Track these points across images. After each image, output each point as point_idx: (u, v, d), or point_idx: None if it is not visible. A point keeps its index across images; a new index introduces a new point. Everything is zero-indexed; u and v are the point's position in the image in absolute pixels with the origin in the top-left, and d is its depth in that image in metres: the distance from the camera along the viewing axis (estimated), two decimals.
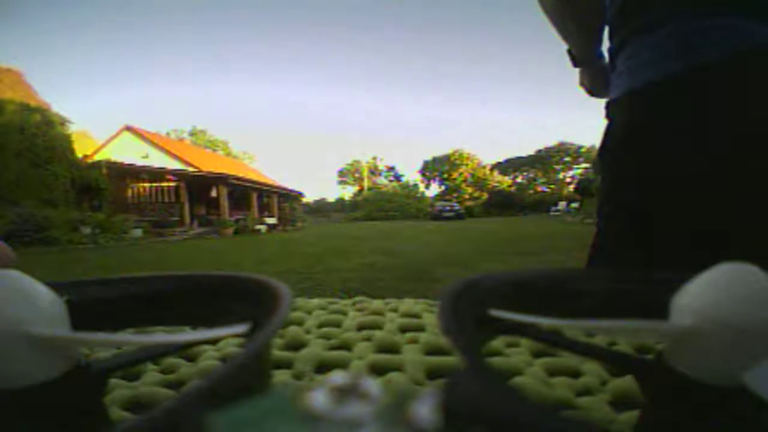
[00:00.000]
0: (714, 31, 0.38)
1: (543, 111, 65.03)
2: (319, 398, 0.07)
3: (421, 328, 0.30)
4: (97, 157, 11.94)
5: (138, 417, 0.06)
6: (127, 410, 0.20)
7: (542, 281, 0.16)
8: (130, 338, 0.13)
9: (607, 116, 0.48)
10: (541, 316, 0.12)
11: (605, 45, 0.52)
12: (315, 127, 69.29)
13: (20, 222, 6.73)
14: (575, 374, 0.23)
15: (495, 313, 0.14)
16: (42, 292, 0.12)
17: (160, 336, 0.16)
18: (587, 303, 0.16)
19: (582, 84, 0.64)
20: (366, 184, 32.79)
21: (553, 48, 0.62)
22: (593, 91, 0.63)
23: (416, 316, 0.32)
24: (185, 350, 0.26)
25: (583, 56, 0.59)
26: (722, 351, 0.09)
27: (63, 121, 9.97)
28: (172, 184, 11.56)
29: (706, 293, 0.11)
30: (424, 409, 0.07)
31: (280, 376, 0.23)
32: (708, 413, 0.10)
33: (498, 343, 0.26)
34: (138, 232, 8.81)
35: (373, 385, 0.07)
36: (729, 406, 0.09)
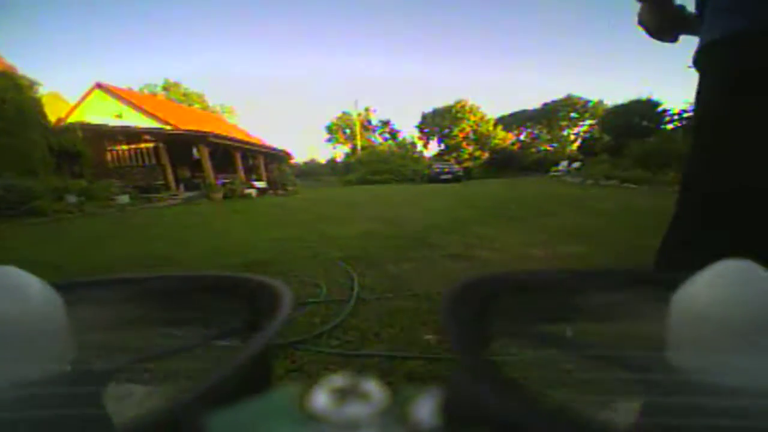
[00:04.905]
0: None
1: (552, 65, 61.90)
2: (319, 399, 0.07)
3: None
4: (70, 120, 11.09)
5: (138, 417, 0.06)
6: (127, 410, 0.19)
7: (542, 281, 0.17)
8: (130, 338, 0.14)
9: (697, 66, 0.37)
10: (542, 315, 0.12)
11: None
12: (300, 76, 65.30)
13: (2, 194, 6.20)
14: (575, 374, 0.22)
15: (495, 313, 0.14)
16: (42, 292, 0.12)
17: (159, 336, 0.16)
18: (588, 302, 0.17)
19: (641, 23, 0.53)
20: (359, 142, 31.53)
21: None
22: (656, 32, 0.52)
23: None
24: (184, 351, 0.24)
25: None
26: (722, 348, 0.09)
27: (31, 84, 9.08)
28: (150, 145, 10.78)
29: (706, 291, 0.11)
30: (424, 409, 0.07)
31: (281, 376, 0.19)
32: (707, 413, 0.10)
33: (498, 343, 0.23)
34: (125, 198, 8.39)
35: (373, 385, 0.07)
36: (729, 405, 0.09)
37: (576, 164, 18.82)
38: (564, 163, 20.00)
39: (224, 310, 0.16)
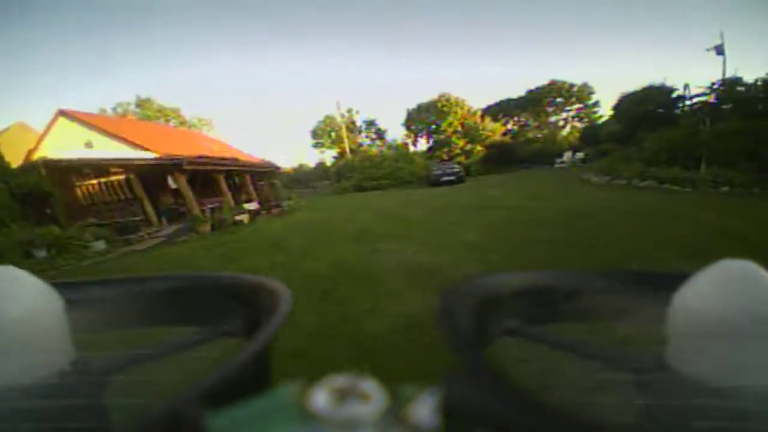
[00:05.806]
0: None
1: (535, 49, 61.18)
2: (319, 398, 0.07)
3: None
4: (38, 155, 9.88)
5: (138, 417, 0.06)
6: (128, 410, 0.20)
7: (542, 282, 0.17)
8: (130, 338, 0.14)
9: None
10: (541, 316, 0.13)
11: None
12: (278, 83, 63.54)
13: None
14: (575, 374, 0.22)
15: (495, 314, 0.14)
16: (43, 292, 0.11)
17: (159, 336, 0.16)
18: (587, 303, 0.17)
19: None
20: (347, 145, 30.33)
21: None
22: None
23: None
24: (184, 351, 0.25)
25: None
26: (722, 349, 0.09)
27: None
28: (120, 177, 9.58)
29: (705, 291, 0.10)
30: (424, 409, 0.07)
31: (281, 376, 0.20)
32: (706, 413, 0.10)
33: (498, 343, 0.25)
34: (100, 245, 7.17)
35: (372, 385, 0.07)
36: (729, 405, 0.09)
37: (579, 154, 18.03)
38: (568, 154, 19.15)
39: (224, 309, 0.16)
